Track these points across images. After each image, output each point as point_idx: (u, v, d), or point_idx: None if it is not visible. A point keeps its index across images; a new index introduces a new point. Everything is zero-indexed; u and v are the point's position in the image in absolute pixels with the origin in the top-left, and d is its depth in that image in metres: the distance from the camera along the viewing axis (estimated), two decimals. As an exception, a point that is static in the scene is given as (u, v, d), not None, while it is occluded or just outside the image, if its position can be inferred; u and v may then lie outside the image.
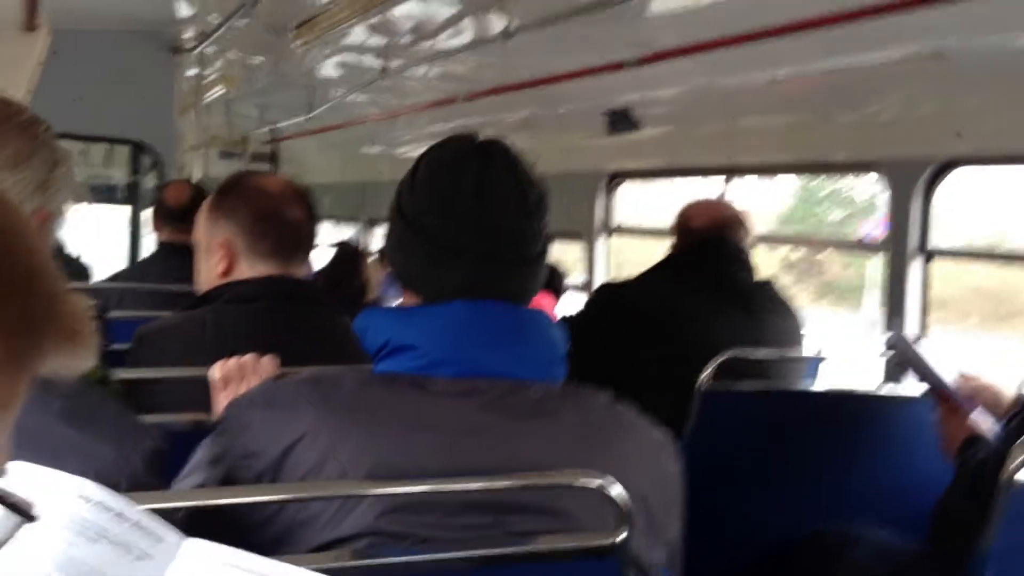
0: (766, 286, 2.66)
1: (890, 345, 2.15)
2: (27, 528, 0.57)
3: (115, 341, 2.05)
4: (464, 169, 1.23)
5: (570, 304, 5.31)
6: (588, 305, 2.84)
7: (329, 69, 5.05)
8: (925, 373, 2.01)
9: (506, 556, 1.10)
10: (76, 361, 0.56)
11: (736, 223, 2.70)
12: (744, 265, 2.64)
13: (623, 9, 2.85)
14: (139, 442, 1.07)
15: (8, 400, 0.53)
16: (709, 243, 2.66)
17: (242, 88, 6.11)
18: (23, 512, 0.56)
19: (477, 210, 1.21)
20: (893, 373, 2.56)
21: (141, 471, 1.05)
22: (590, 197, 4.50)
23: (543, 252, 1.28)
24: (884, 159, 3.05)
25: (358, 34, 4.08)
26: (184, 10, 4.29)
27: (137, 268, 3.77)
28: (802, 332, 2.69)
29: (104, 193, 7.06)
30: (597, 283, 4.48)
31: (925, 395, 2.12)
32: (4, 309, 0.51)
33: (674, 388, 2.28)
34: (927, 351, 2.03)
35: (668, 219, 2.93)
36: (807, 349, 2.65)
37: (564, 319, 2.88)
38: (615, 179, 4.51)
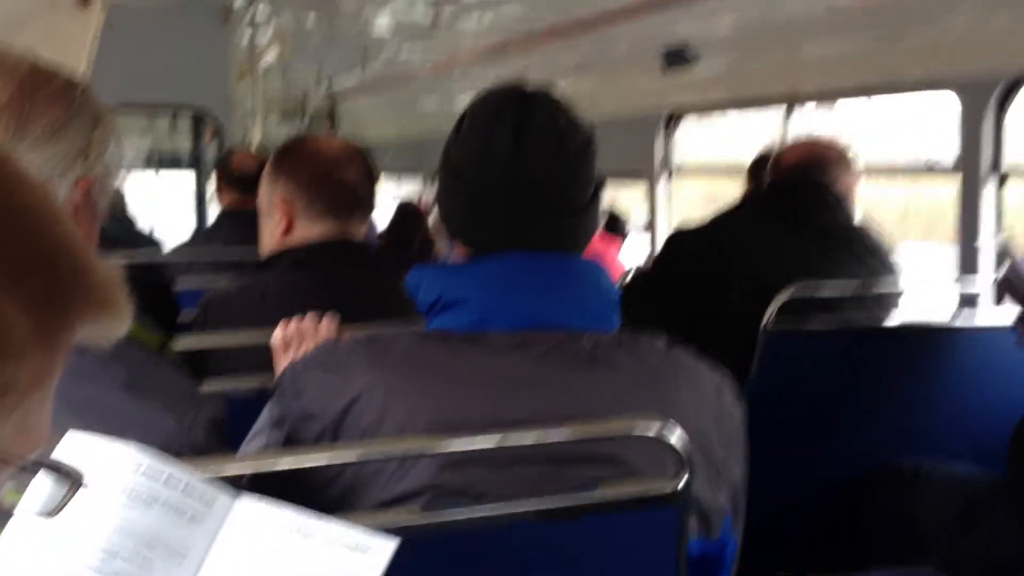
0: (857, 229, 2.55)
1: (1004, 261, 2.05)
2: (78, 495, 0.58)
3: (183, 310, 2.10)
4: (503, 119, 1.21)
5: (634, 246, 5.24)
6: (659, 256, 2.79)
7: (381, 24, 5.03)
8: None
9: (566, 507, 1.10)
10: (111, 329, 0.56)
11: (831, 162, 2.57)
12: (829, 205, 2.53)
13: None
14: (199, 412, 1.09)
15: (44, 374, 0.53)
16: (791, 181, 2.57)
17: (296, 51, 6.13)
18: (72, 479, 0.57)
19: (515, 161, 1.19)
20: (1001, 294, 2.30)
21: (202, 440, 1.06)
22: (649, 137, 4.42)
23: (592, 201, 1.25)
24: (955, 77, 2.92)
25: (407, -14, 4.05)
26: (233, -25, 4.32)
27: (202, 236, 3.84)
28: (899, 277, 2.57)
29: (170, 162, 7.22)
30: (660, 224, 4.42)
31: (1017, 322, 2.04)
32: (29, 285, 0.51)
33: (742, 329, 2.24)
34: None
35: (730, 157, 2.84)
36: (883, 285, 2.55)
37: (638, 273, 2.85)
38: (674, 118, 4.42)
